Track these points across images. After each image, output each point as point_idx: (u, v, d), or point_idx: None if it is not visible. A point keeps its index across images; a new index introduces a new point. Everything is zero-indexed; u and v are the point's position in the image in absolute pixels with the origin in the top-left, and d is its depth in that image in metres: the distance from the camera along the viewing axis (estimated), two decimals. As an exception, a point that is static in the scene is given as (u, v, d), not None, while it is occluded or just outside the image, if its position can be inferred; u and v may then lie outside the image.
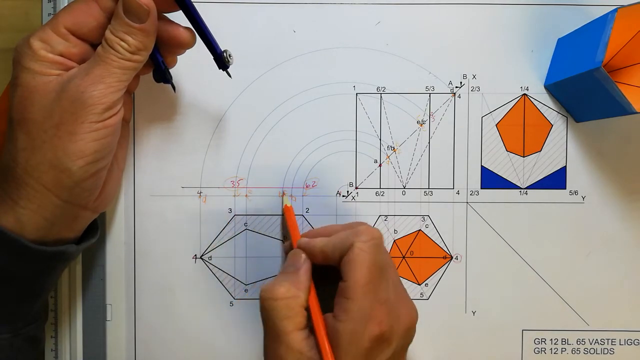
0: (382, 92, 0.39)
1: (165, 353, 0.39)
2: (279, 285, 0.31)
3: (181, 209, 0.39)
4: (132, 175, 0.39)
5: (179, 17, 0.32)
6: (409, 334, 0.32)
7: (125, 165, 0.38)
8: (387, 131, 0.39)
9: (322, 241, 0.32)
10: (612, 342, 0.39)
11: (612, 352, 0.39)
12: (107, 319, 0.38)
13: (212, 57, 0.34)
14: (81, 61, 0.30)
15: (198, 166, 0.39)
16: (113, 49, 0.29)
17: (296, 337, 0.30)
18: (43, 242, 0.30)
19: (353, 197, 0.39)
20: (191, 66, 0.38)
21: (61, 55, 0.30)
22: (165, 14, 0.32)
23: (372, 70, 0.39)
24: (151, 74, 0.35)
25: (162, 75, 0.34)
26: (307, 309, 0.31)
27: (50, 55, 0.29)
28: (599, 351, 0.39)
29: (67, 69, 0.30)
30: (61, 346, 0.38)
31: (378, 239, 0.31)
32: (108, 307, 0.38)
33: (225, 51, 0.34)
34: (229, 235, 0.39)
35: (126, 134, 0.37)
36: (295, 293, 0.31)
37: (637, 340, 0.39)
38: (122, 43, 0.29)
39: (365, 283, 0.30)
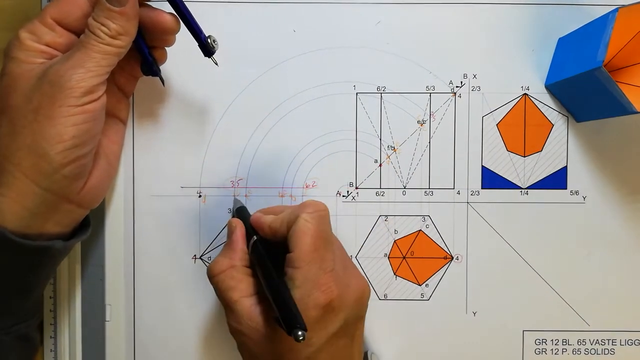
0: (382, 91, 0.39)
1: (165, 353, 0.39)
2: (215, 262, 0.33)
3: (181, 209, 0.39)
4: (131, 175, 0.39)
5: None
6: (360, 304, 0.33)
7: (119, 164, 0.37)
8: (388, 131, 0.39)
9: (271, 217, 0.34)
10: (612, 342, 0.39)
11: (612, 353, 0.39)
12: (107, 320, 0.38)
13: (207, 54, 0.34)
14: (67, 51, 0.31)
15: (198, 166, 0.39)
16: (94, 33, 0.30)
17: (244, 304, 0.32)
18: (26, 235, 0.30)
19: (353, 197, 0.39)
20: (191, 66, 0.38)
21: (47, 45, 0.30)
22: (148, 2, 0.33)
23: (372, 70, 0.39)
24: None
25: (149, 67, 0.34)
26: (256, 275, 0.33)
27: (36, 45, 0.30)
28: (599, 351, 0.39)
29: (52, 58, 0.31)
30: (60, 346, 0.38)
31: (323, 211, 0.32)
32: (107, 308, 0.38)
33: (210, 37, 0.34)
34: (229, 236, 0.39)
35: (121, 131, 0.37)
36: (230, 264, 0.33)
37: (637, 341, 0.39)
38: (103, 28, 0.30)
39: (310, 251, 0.31)
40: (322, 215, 0.32)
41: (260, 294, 0.32)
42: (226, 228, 0.39)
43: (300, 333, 0.27)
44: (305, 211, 0.32)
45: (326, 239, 0.32)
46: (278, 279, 0.31)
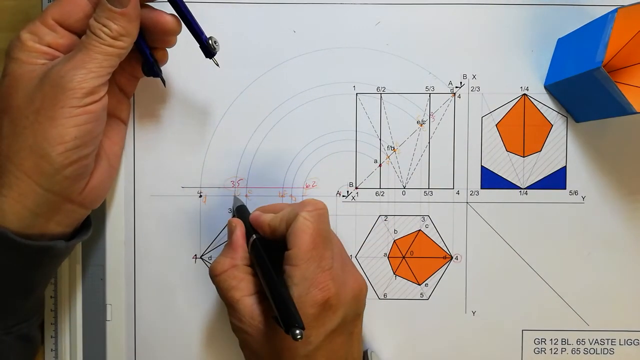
0: (382, 92, 0.39)
1: (165, 353, 0.39)
2: (217, 262, 0.34)
3: (181, 209, 0.39)
4: (132, 175, 0.39)
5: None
6: (357, 302, 0.33)
7: (120, 164, 0.38)
8: (387, 131, 0.39)
9: (270, 215, 0.34)
10: (612, 342, 0.39)
11: (612, 352, 0.39)
12: (107, 319, 0.38)
13: (209, 56, 0.34)
14: (68, 52, 0.31)
15: (198, 166, 0.39)
16: (95, 34, 0.30)
17: (245, 303, 0.32)
18: (27, 235, 0.30)
19: (353, 197, 0.39)
20: (192, 67, 0.38)
21: (49, 45, 0.30)
22: (149, 3, 0.33)
23: (372, 70, 0.39)
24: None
25: (150, 68, 0.34)
26: (256, 274, 0.33)
27: (38, 46, 0.30)
28: (599, 351, 0.39)
29: (54, 58, 0.31)
30: (61, 346, 0.38)
31: (322, 210, 0.32)
32: (108, 307, 0.38)
33: (211, 38, 0.34)
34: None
35: (122, 132, 0.37)
36: (231, 263, 0.33)
37: (637, 340, 0.39)
38: (104, 29, 0.30)
39: (309, 250, 0.31)
40: (321, 214, 0.32)
41: (261, 293, 0.33)
42: (226, 228, 0.39)
43: (297, 332, 0.27)
44: (305, 209, 0.32)
45: (325, 237, 0.32)
46: (277, 277, 0.31)
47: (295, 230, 0.31)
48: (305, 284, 0.30)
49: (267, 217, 0.34)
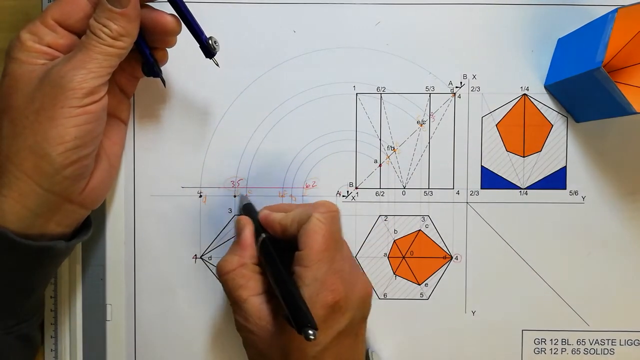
0: (382, 92, 0.39)
1: (165, 353, 0.39)
2: (225, 260, 0.33)
3: (181, 209, 0.39)
4: (132, 175, 0.39)
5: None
6: (365, 305, 0.33)
7: (120, 165, 0.38)
8: (387, 131, 0.39)
9: (281, 214, 0.34)
10: (612, 342, 0.39)
11: (612, 353, 0.39)
12: (107, 319, 0.38)
13: (209, 56, 0.34)
14: (68, 52, 0.31)
15: (198, 166, 0.39)
16: (95, 34, 0.30)
17: (253, 303, 0.32)
18: (27, 235, 0.30)
19: (353, 197, 0.39)
20: (192, 67, 0.38)
21: (48, 46, 0.31)
22: (149, 3, 0.33)
23: (372, 70, 0.39)
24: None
25: (151, 68, 0.34)
26: (265, 273, 0.33)
27: (38, 46, 0.30)
28: (599, 351, 0.39)
29: (54, 59, 0.31)
30: (61, 346, 0.38)
31: (335, 212, 0.33)
32: (108, 307, 0.38)
33: (211, 38, 0.34)
34: (229, 235, 0.39)
35: (122, 132, 0.37)
36: (240, 262, 0.33)
37: (637, 341, 0.39)
38: (104, 29, 0.30)
39: (321, 251, 0.31)
40: (334, 216, 0.32)
41: (268, 292, 0.33)
42: (226, 227, 0.39)
43: (311, 332, 0.27)
44: (318, 211, 0.32)
45: (337, 240, 0.32)
46: (288, 277, 0.31)
47: (307, 231, 0.31)
48: (316, 285, 0.30)
49: (278, 216, 0.34)
